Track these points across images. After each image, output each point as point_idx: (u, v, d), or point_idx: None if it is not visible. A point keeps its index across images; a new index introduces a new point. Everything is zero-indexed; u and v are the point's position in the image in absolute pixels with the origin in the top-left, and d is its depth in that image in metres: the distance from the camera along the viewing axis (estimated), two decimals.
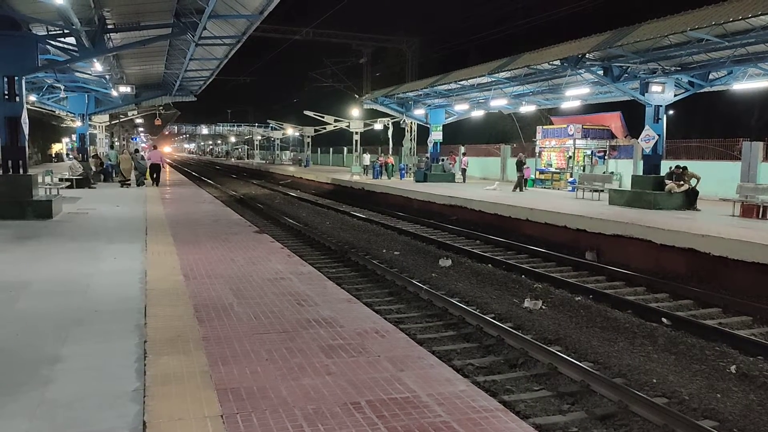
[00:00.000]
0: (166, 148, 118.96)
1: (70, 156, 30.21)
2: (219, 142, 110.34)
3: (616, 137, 23.44)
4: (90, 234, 10.57)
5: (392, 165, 32.23)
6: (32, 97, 23.91)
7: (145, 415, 3.53)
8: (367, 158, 36.02)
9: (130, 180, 23.45)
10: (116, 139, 45.77)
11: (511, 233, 15.27)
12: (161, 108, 34.15)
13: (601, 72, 16.73)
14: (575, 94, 21.26)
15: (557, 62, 17.03)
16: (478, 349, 7.15)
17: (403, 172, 31.50)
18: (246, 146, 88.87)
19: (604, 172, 22.12)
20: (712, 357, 6.88)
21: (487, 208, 17.26)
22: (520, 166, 22.16)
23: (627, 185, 19.86)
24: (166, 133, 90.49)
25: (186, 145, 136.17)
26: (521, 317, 8.40)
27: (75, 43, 13.73)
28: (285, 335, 5.09)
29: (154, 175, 23.62)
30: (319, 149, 58.59)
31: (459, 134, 38.00)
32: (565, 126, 23.98)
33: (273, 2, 12.49)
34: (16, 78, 12.20)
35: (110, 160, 26.32)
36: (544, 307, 8.92)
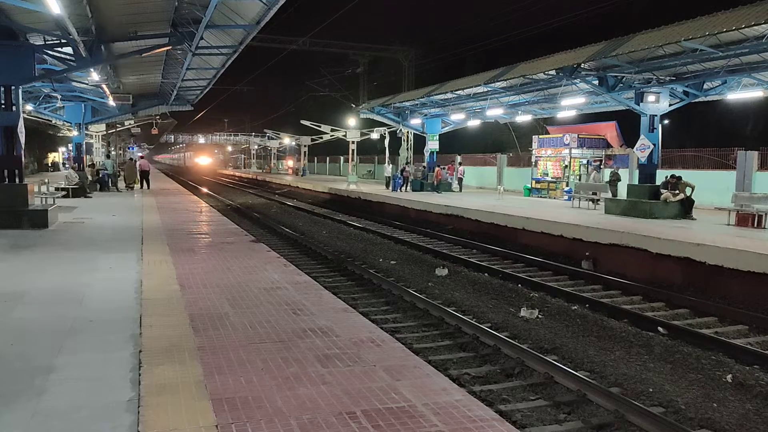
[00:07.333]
0: (200, 159, 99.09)
1: (66, 165, 30.51)
2: (216, 151, 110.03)
3: (612, 146, 23.55)
4: (86, 243, 10.54)
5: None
6: (29, 107, 23.92)
7: (140, 425, 3.51)
8: (389, 169, 31.03)
9: (134, 184, 26.84)
10: (112, 149, 45.74)
11: (507, 242, 15.29)
12: (158, 117, 34.21)
13: (596, 82, 16.84)
14: (571, 104, 21.39)
15: (553, 72, 17.13)
16: (475, 359, 7.14)
17: (399, 181, 31.36)
18: (243, 155, 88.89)
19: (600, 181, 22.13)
20: (709, 366, 6.89)
21: (483, 217, 17.29)
22: (614, 181, 20.90)
23: (623, 194, 19.90)
24: (162, 141, 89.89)
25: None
26: (518, 326, 8.40)
27: (72, 52, 13.76)
28: (280, 345, 5.08)
29: (144, 180, 27.36)
30: (315, 158, 58.67)
31: (455, 144, 38.07)
32: (561, 135, 24.08)
33: (270, 12, 12.57)
34: (13, 87, 12.22)
35: (106, 169, 26.32)
36: (540, 316, 8.92)
